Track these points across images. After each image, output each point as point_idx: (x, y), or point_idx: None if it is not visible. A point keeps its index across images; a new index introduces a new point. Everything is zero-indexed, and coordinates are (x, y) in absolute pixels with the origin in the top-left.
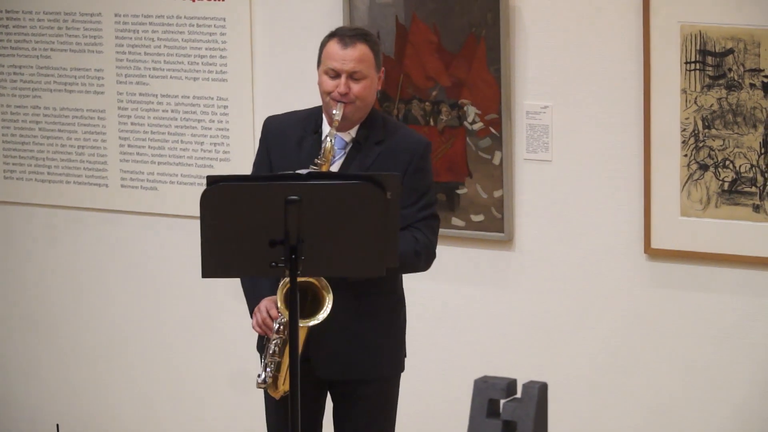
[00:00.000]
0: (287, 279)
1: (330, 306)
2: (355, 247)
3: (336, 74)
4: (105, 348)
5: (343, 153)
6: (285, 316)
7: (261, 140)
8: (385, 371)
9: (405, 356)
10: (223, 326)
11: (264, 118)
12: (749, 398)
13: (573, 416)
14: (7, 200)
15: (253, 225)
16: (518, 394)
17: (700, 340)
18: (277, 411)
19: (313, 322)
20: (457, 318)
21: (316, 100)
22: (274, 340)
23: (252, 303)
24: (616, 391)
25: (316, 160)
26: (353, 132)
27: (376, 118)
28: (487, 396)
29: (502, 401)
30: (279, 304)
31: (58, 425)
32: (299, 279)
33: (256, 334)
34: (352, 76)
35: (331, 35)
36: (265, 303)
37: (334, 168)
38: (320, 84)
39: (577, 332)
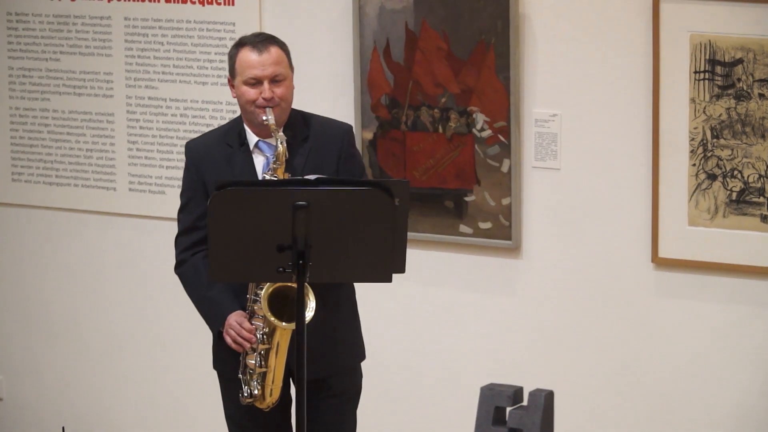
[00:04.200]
0: (269, 285)
1: (314, 305)
2: (362, 253)
3: (257, 81)
4: (112, 351)
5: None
6: (266, 326)
7: (188, 166)
8: (351, 361)
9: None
10: None
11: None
12: (757, 408)
13: (579, 424)
14: (15, 203)
15: (261, 230)
16: (524, 402)
17: (706, 349)
18: (241, 421)
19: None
20: (464, 325)
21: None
22: (255, 352)
23: (215, 323)
24: (622, 399)
25: (272, 165)
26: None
27: (296, 117)
28: (493, 403)
29: (508, 409)
30: (266, 313)
31: (63, 428)
32: (276, 285)
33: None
34: (274, 79)
35: (240, 45)
36: (234, 318)
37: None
38: (241, 96)
39: (583, 341)
